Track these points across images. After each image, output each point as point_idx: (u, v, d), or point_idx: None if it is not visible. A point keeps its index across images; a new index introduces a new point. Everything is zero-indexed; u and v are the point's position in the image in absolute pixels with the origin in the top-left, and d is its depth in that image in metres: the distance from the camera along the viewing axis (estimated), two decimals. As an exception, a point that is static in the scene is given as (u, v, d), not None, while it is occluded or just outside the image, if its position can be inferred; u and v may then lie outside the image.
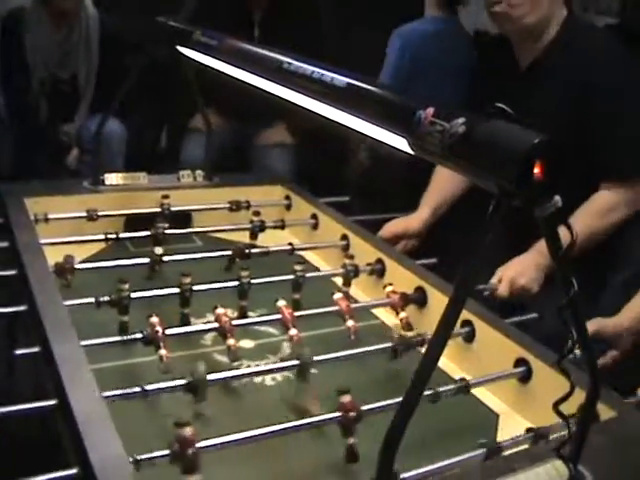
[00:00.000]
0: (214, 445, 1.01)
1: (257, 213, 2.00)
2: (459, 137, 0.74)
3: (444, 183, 2.11)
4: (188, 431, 0.98)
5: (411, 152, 0.82)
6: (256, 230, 1.97)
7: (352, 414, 1.11)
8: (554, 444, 0.98)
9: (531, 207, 0.72)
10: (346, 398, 1.12)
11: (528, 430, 1.15)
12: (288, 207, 2.21)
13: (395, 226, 2.07)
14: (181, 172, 2.18)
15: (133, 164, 2.95)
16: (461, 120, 0.75)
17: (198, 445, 0.98)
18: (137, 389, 1.11)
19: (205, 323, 1.49)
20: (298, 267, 1.64)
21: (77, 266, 1.57)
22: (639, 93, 1.84)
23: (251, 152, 3.28)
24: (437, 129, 0.77)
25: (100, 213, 1.89)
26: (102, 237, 1.78)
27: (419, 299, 1.60)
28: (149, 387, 1.12)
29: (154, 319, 1.29)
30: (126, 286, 1.42)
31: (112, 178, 2.06)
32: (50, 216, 1.81)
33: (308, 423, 1.12)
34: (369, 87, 0.91)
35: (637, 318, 1.55)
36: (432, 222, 2.10)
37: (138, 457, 0.93)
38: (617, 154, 1.80)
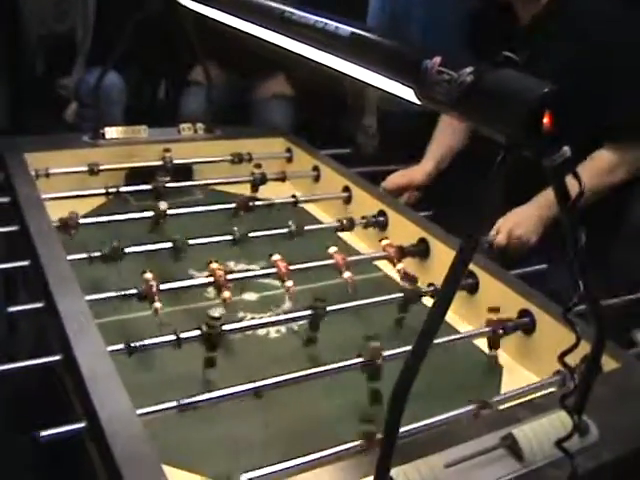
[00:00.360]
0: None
1: (258, 165, 1.99)
2: (467, 86, 0.72)
3: (447, 136, 2.09)
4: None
5: (418, 102, 0.81)
6: (257, 182, 1.96)
7: (378, 361, 1.13)
8: (558, 396, 0.99)
9: (539, 157, 0.71)
10: (375, 344, 1.14)
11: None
12: (289, 159, 2.20)
13: (399, 178, 2.06)
14: (182, 125, 2.17)
15: (132, 117, 2.93)
16: (469, 69, 0.73)
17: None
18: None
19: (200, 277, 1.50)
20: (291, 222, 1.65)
21: (81, 221, 1.56)
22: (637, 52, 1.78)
23: (251, 105, 3.25)
24: (445, 78, 0.75)
25: (101, 167, 1.88)
26: (103, 191, 1.77)
27: (417, 251, 1.60)
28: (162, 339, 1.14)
29: (148, 275, 1.30)
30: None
31: (112, 132, 2.05)
32: (51, 171, 1.80)
33: (334, 369, 1.13)
34: (374, 36, 0.89)
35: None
36: (435, 175, 2.08)
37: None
38: (621, 114, 1.75)
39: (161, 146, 2.01)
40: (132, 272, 1.39)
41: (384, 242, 1.58)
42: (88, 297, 1.22)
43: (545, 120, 0.67)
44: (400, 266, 1.54)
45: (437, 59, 0.78)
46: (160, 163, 1.96)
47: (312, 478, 0.86)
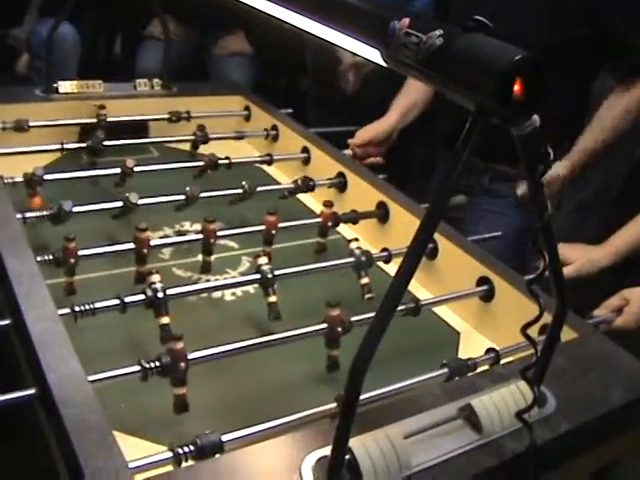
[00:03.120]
0: (204, 357, 1.02)
1: (202, 127, 1.94)
2: (436, 50, 0.70)
3: (413, 89, 2.07)
4: (180, 345, 0.99)
5: (384, 64, 0.78)
6: (199, 142, 1.94)
7: (339, 328, 1.12)
8: (518, 365, 0.99)
9: (509, 125, 0.69)
10: (335, 311, 1.12)
11: (488, 350, 1.15)
12: (247, 118, 2.16)
13: (365, 131, 2.04)
14: (138, 80, 2.11)
15: (86, 72, 2.85)
16: (438, 32, 0.71)
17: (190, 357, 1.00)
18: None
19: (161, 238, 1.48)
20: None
21: (46, 177, 1.50)
22: None
23: (209, 61, 3.20)
24: (412, 40, 0.73)
25: (53, 122, 1.83)
26: (58, 147, 1.72)
27: (352, 218, 1.58)
28: (106, 303, 1.10)
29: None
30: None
31: (66, 86, 1.99)
32: (0, 125, 1.74)
33: (294, 335, 1.11)
34: (339, -6, 0.86)
35: (618, 254, 1.55)
36: (401, 126, 2.07)
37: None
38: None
39: (118, 101, 1.96)
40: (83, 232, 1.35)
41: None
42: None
43: (516, 88, 0.65)
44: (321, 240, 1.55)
45: (405, 20, 0.75)
46: (116, 119, 1.92)
47: (267, 446, 0.85)
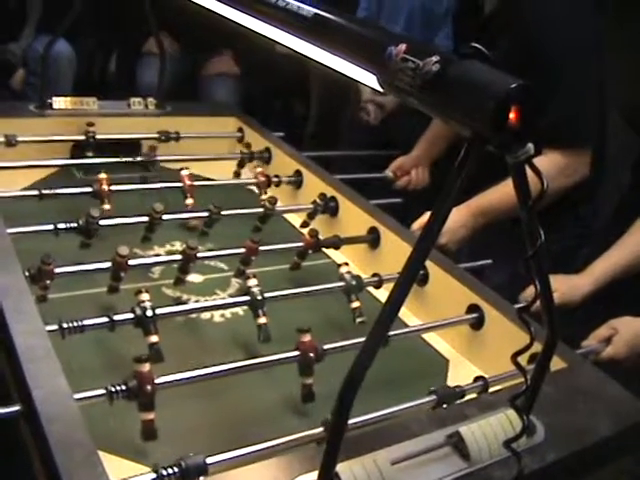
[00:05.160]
0: (171, 382, 0.99)
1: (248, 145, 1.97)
2: (432, 76, 0.70)
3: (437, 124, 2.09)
4: (146, 367, 0.96)
5: (381, 90, 0.79)
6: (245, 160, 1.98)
7: (311, 354, 1.10)
8: (507, 394, 0.98)
9: (503, 153, 0.69)
10: (306, 337, 1.11)
11: (477, 378, 1.14)
12: (240, 139, 2.16)
13: (396, 162, 2.12)
14: (132, 99, 2.11)
15: (82, 89, 2.85)
16: (435, 58, 0.71)
17: (157, 381, 0.97)
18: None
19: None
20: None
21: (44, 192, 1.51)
22: (588, 56, 1.72)
23: (198, 81, 3.21)
24: (409, 66, 0.73)
25: (46, 138, 1.82)
26: (51, 163, 1.72)
27: (334, 243, 1.57)
28: (95, 321, 1.09)
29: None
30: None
31: (60, 102, 1.99)
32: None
33: (267, 362, 1.09)
34: (338, 19, 0.87)
35: (600, 280, 1.55)
36: (425, 161, 2.11)
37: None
38: (557, 120, 1.62)
39: (112, 119, 1.96)
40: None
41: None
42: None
43: (511, 115, 0.65)
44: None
45: (402, 46, 0.75)
46: (110, 136, 1.92)
47: (253, 470, 0.84)
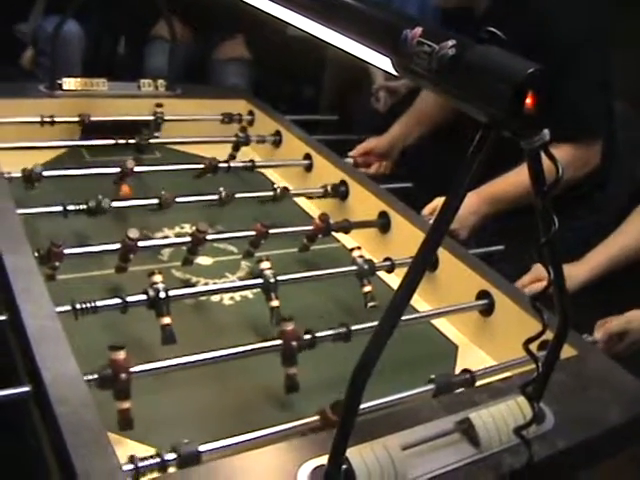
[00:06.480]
0: (146, 370, 0.98)
1: (243, 129, 1.96)
2: (448, 60, 0.69)
3: (420, 107, 2.08)
4: (122, 355, 0.95)
5: (395, 73, 0.78)
6: (240, 144, 1.95)
7: (294, 343, 1.08)
8: (516, 381, 0.98)
9: (519, 139, 0.68)
10: (289, 326, 1.09)
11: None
12: (251, 122, 2.16)
13: (367, 143, 2.08)
14: (142, 80, 2.11)
15: (89, 71, 2.85)
16: (451, 42, 0.70)
17: (132, 370, 0.95)
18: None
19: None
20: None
21: (45, 173, 1.50)
22: (597, 45, 1.71)
23: (208, 66, 3.20)
24: (425, 50, 0.72)
25: (56, 119, 1.82)
26: (61, 143, 1.72)
27: (344, 227, 1.56)
28: (107, 302, 1.09)
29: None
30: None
31: (70, 83, 1.98)
32: (3, 120, 1.73)
33: (248, 350, 1.07)
34: (353, 1, 0.86)
35: (596, 268, 1.55)
36: (401, 142, 2.07)
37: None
38: (566, 111, 1.54)
39: (120, 100, 1.96)
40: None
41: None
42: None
43: (528, 101, 0.64)
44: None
45: (418, 29, 0.74)
46: (119, 118, 1.92)
47: (264, 454, 0.84)
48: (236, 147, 1.97)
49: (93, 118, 1.87)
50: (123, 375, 0.94)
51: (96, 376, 0.93)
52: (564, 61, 1.63)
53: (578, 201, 1.76)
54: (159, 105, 1.98)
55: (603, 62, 1.74)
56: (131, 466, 0.81)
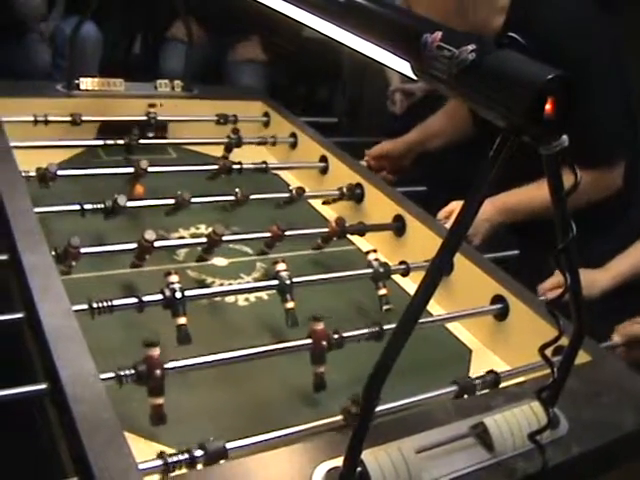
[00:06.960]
0: (181, 367, 0.99)
1: (236, 130, 1.94)
2: (468, 65, 0.70)
3: (442, 118, 2.07)
4: (156, 351, 0.95)
5: (414, 77, 0.78)
6: (232, 145, 1.92)
7: (323, 343, 1.09)
8: (531, 386, 0.98)
9: (538, 144, 0.68)
10: (319, 326, 1.09)
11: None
12: (266, 124, 2.16)
13: (382, 145, 2.07)
14: (158, 81, 2.11)
15: (107, 71, 2.86)
16: (471, 47, 0.70)
17: (166, 366, 0.96)
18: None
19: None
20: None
21: (59, 172, 1.50)
22: (610, 64, 1.65)
23: (224, 67, 3.21)
24: (444, 54, 0.72)
25: (72, 118, 1.83)
26: (78, 143, 1.72)
27: (359, 230, 1.56)
28: (124, 301, 1.10)
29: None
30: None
31: (87, 83, 1.99)
32: (21, 119, 1.74)
33: (278, 349, 1.08)
34: (372, 4, 0.86)
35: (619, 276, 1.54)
36: (418, 148, 2.07)
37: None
38: (582, 137, 1.54)
39: (137, 101, 1.97)
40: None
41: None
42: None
43: (547, 107, 0.65)
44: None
45: (438, 34, 0.75)
46: (135, 118, 1.93)
47: (279, 455, 0.84)
48: (228, 148, 1.93)
49: (109, 118, 1.88)
50: (158, 371, 0.95)
51: (133, 371, 0.94)
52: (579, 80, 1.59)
53: (613, 213, 1.74)
54: (152, 105, 1.97)
55: (619, 81, 1.69)
56: (160, 462, 0.82)
